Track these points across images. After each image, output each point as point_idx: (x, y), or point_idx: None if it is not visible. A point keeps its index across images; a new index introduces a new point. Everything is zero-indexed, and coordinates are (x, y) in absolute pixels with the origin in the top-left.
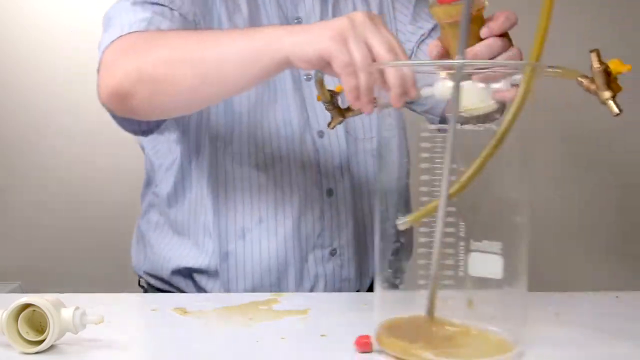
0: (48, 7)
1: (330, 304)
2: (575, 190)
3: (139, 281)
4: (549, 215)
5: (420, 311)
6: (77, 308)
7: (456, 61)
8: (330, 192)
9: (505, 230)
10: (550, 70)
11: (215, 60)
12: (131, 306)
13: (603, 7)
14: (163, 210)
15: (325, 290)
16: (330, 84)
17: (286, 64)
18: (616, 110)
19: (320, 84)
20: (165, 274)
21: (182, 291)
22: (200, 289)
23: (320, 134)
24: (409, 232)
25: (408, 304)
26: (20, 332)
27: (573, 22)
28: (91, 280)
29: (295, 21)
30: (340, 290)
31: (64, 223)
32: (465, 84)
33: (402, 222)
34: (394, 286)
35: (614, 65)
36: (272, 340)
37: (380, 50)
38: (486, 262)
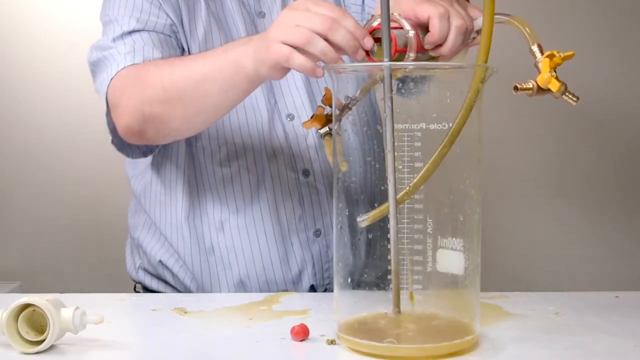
0: (48, 7)
1: (330, 304)
2: (575, 189)
3: (135, 287)
4: (549, 215)
5: (383, 308)
6: (77, 308)
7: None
8: (306, 173)
9: (467, 228)
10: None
11: (201, 93)
12: (131, 306)
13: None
14: (140, 207)
15: (314, 273)
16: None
17: (267, 76)
18: (574, 99)
19: (329, 144)
20: (155, 270)
21: (172, 285)
22: (183, 286)
23: (290, 117)
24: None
25: (370, 302)
26: (20, 332)
27: (574, 22)
28: (91, 280)
29: (260, 16)
30: (329, 271)
31: (64, 223)
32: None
33: (362, 220)
34: (356, 284)
35: (559, 55)
36: (272, 340)
37: (326, 10)
38: (452, 259)
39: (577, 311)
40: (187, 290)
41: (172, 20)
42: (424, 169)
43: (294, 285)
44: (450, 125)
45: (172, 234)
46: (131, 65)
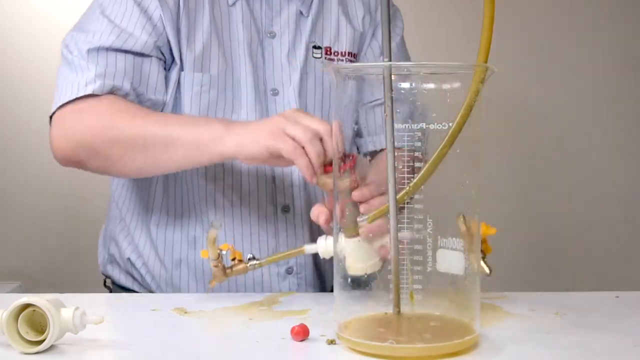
0: (48, 7)
1: (330, 304)
2: (574, 191)
3: (105, 282)
4: (547, 216)
5: (383, 308)
6: (77, 308)
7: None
8: (286, 209)
9: (467, 227)
10: None
11: (163, 150)
12: (131, 306)
13: (603, 7)
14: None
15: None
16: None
17: (231, 158)
18: (487, 271)
19: (213, 242)
20: (125, 265)
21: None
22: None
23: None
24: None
25: (370, 302)
26: (20, 332)
27: (574, 23)
28: (91, 280)
29: (268, 35)
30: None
31: (64, 223)
32: (352, 243)
33: (362, 220)
34: (356, 284)
35: (482, 229)
36: (272, 340)
37: (313, 124)
38: (452, 259)
39: (577, 311)
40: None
41: (156, 37)
42: (424, 169)
43: None
44: (450, 125)
45: (141, 240)
46: (97, 94)
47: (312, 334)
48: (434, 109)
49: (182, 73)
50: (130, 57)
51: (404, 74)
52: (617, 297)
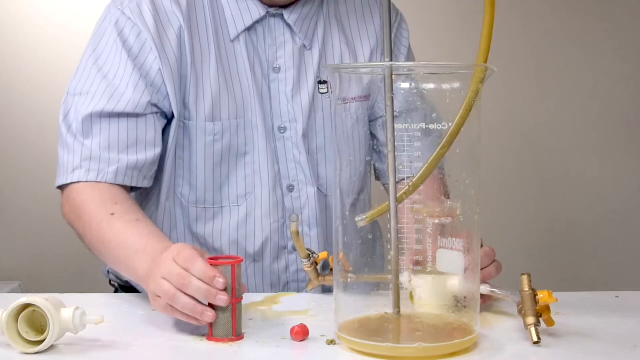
0: (48, 7)
1: (330, 304)
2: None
3: (110, 281)
4: (547, 216)
5: (383, 308)
6: (77, 308)
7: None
8: (290, 188)
9: (467, 228)
10: None
11: (111, 264)
12: (131, 306)
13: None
14: None
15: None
16: None
17: None
18: (535, 338)
19: (297, 235)
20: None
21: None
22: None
23: (290, 188)
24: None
25: (370, 302)
26: (20, 332)
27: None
28: (91, 281)
29: (273, 70)
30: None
31: (64, 223)
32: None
33: (361, 219)
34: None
35: (543, 296)
36: (272, 340)
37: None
38: (452, 259)
39: (577, 311)
40: None
41: (150, 95)
42: (423, 168)
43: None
44: (450, 125)
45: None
46: (82, 181)
47: (312, 334)
48: (433, 109)
49: (192, 123)
50: (124, 121)
51: (404, 74)
52: (617, 297)
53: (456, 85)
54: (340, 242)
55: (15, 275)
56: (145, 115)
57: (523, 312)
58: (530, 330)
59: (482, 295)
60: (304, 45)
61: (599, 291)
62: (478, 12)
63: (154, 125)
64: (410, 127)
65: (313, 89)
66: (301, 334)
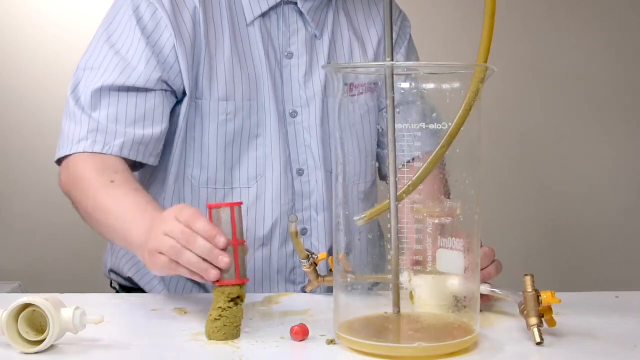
0: (48, 7)
1: (330, 304)
2: (573, 192)
3: (111, 283)
4: (547, 216)
5: (383, 308)
6: (77, 308)
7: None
8: (304, 232)
9: (467, 228)
10: None
11: (103, 227)
12: (131, 306)
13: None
14: None
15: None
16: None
17: None
18: (538, 339)
19: (295, 236)
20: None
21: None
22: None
23: (300, 172)
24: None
25: (370, 302)
26: (20, 332)
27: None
28: (91, 280)
29: (286, 56)
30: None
31: (64, 223)
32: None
33: (360, 219)
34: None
35: (546, 296)
36: (272, 340)
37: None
38: (452, 259)
39: (577, 311)
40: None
41: (162, 71)
42: (422, 168)
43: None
44: (450, 125)
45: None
46: (87, 154)
47: (312, 334)
48: (433, 109)
49: (205, 102)
50: (133, 95)
51: (405, 74)
52: (617, 297)
53: (456, 85)
54: (342, 242)
55: (15, 275)
56: (154, 91)
57: (526, 312)
58: (533, 331)
59: (482, 295)
60: (315, 35)
61: (599, 291)
62: (478, 12)
63: (162, 103)
64: (410, 127)
65: (325, 75)
66: (301, 334)
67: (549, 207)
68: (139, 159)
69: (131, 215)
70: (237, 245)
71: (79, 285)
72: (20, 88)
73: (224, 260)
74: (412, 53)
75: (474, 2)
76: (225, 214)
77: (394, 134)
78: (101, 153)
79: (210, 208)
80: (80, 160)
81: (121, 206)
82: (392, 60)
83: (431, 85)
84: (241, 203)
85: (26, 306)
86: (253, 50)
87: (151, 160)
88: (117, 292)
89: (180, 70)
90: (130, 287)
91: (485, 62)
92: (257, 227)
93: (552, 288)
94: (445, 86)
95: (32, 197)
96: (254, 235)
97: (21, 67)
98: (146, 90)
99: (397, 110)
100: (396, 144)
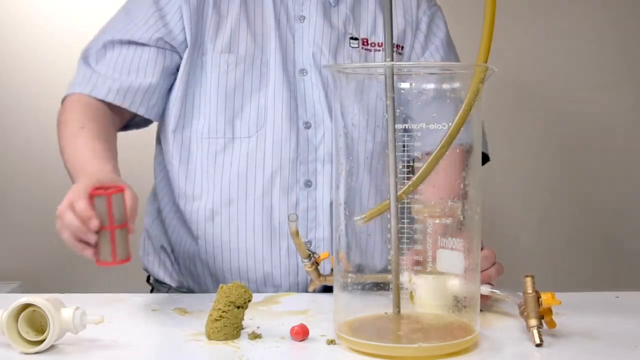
0: (48, 7)
1: (330, 304)
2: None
3: (148, 278)
4: (548, 216)
5: (383, 308)
6: (77, 308)
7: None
8: (308, 183)
9: (467, 227)
10: None
11: (65, 160)
12: (131, 306)
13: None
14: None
15: (298, 282)
16: None
17: None
18: (537, 341)
19: (296, 235)
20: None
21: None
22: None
23: (307, 125)
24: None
25: (370, 302)
26: (20, 332)
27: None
28: (91, 280)
29: (299, 19)
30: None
31: None
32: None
33: (360, 219)
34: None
35: (546, 298)
36: (272, 340)
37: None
38: (452, 259)
39: (577, 311)
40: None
41: (164, 33)
42: (422, 168)
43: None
44: (450, 125)
45: (167, 218)
46: (77, 95)
47: (312, 334)
48: (433, 109)
49: (207, 57)
50: (131, 48)
51: (405, 74)
52: (617, 297)
53: (456, 85)
54: (343, 242)
55: (15, 275)
56: (150, 46)
57: (525, 313)
58: (532, 332)
59: (482, 296)
60: (329, 2)
61: (599, 291)
62: (478, 12)
63: (155, 58)
64: (410, 127)
65: (337, 38)
66: (301, 333)
67: (549, 207)
68: (125, 106)
69: (78, 165)
70: (114, 230)
71: (79, 285)
72: (20, 88)
73: (90, 240)
74: (450, 50)
75: (474, 2)
76: (100, 203)
77: (394, 133)
78: (89, 95)
79: (91, 196)
80: (69, 103)
81: (77, 154)
82: (392, 60)
83: (431, 85)
84: (122, 190)
85: (26, 306)
86: (264, 13)
87: (141, 110)
88: (152, 290)
89: (184, 27)
90: (163, 282)
91: (485, 62)
92: (256, 176)
93: (552, 288)
94: (445, 86)
95: (32, 197)
96: (254, 185)
97: (21, 67)
98: (143, 45)
99: (398, 110)
100: (396, 143)
